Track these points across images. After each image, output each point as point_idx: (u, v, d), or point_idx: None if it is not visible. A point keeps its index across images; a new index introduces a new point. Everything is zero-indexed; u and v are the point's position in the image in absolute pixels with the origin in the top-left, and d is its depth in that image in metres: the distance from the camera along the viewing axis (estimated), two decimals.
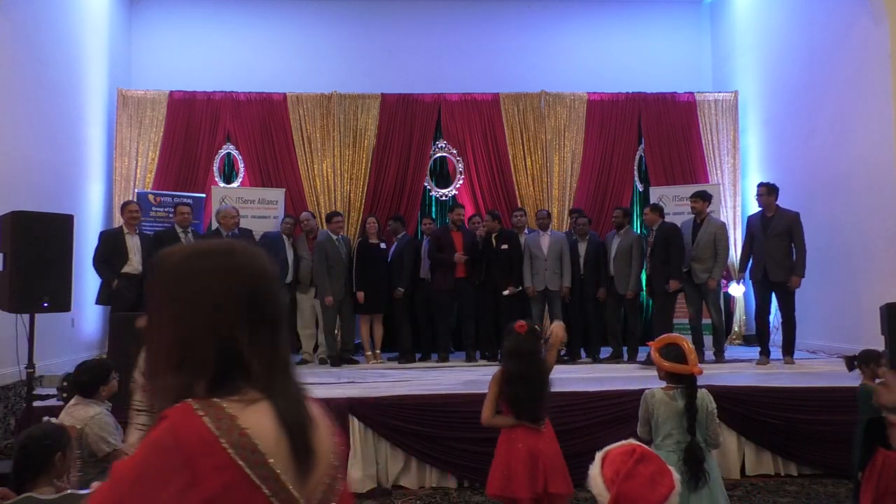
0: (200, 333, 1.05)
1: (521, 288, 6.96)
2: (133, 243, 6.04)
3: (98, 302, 6.15)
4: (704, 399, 3.12)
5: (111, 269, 5.87)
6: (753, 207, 7.31)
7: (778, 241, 6.32)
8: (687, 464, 2.97)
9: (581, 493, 4.52)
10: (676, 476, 1.60)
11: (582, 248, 7.06)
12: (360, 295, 6.87)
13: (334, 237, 7.06)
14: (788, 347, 6.43)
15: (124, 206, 6.20)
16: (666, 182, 8.78)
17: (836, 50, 7.19)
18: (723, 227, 6.70)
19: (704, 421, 3.09)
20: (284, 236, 7.28)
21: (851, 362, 4.18)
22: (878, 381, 3.93)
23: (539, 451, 3.07)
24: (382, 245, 7.18)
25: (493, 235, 7.07)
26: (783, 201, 6.61)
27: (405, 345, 7.13)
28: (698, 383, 3.15)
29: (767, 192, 6.46)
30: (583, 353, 7.19)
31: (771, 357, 6.53)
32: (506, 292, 6.86)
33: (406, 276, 7.08)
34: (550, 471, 3.05)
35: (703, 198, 6.70)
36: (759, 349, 6.65)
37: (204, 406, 1.00)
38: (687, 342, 3.14)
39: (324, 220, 8.27)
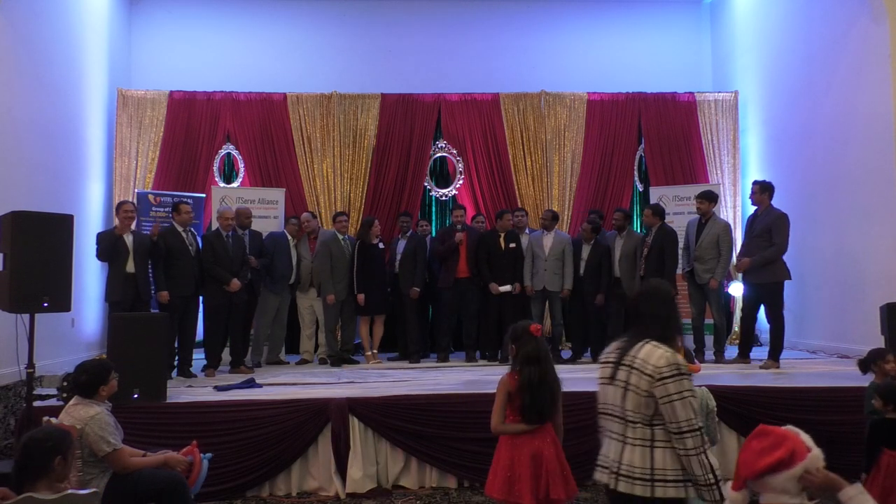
0: None
1: (511, 287, 6.91)
2: (129, 242, 6.04)
3: (108, 300, 6.15)
4: (705, 397, 3.12)
5: (114, 264, 5.96)
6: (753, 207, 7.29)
7: (759, 241, 6.15)
8: None
9: (581, 493, 4.52)
10: (813, 451, 1.97)
11: (585, 250, 7.03)
12: (361, 297, 6.86)
13: (340, 237, 7.06)
14: (772, 352, 6.20)
15: (120, 205, 6.19)
16: (666, 182, 8.78)
17: (836, 50, 7.19)
18: (727, 228, 6.67)
19: (706, 419, 3.10)
20: (289, 237, 7.28)
21: (865, 365, 4.17)
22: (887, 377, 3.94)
23: (542, 456, 3.04)
24: (381, 245, 7.19)
25: (502, 235, 7.06)
26: (783, 201, 6.59)
27: (414, 345, 7.12)
28: (698, 383, 3.16)
29: (760, 189, 6.30)
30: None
31: (753, 360, 6.41)
32: (507, 288, 6.85)
33: (420, 275, 7.08)
34: (552, 476, 3.01)
35: (709, 198, 6.65)
36: (756, 349, 6.65)
37: None
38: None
39: (326, 220, 8.31)
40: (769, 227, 6.14)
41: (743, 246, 6.50)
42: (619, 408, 2.37)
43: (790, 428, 2.02)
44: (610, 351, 2.50)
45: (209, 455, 3.89)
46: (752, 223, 6.38)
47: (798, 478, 1.96)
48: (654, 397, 2.29)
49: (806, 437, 2.01)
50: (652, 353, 2.34)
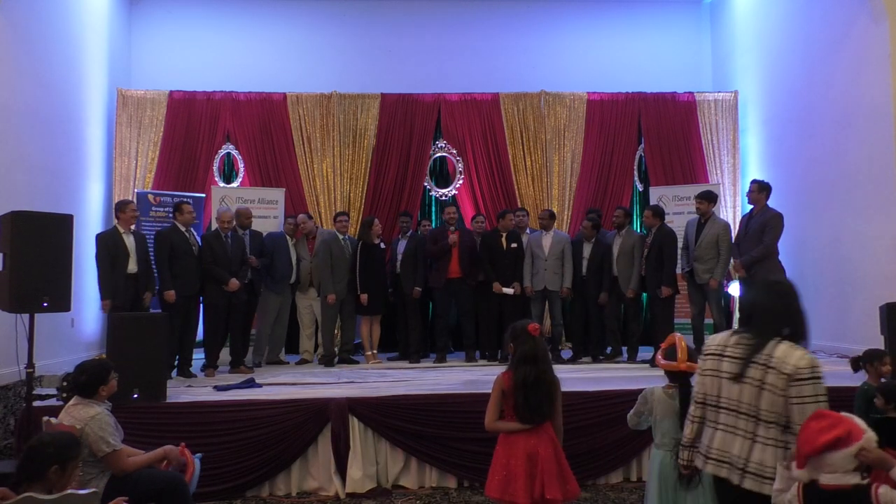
0: None
1: (512, 289, 6.91)
2: (130, 243, 6.03)
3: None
4: None
5: (116, 269, 5.91)
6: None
7: (754, 241, 6.19)
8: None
9: (583, 493, 4.52)
10: (868, 433, 2.19)
11: (587, 249, 7.04)
12: (364, 297, 6.86)
13: (340, 237, 7.06)
14: None
15: (125, 205, 6.15)
16: (666, 182, 8.78)
17: (836, 50, 7.19)
18: (726, 228, 6.67)
19: None
20: (287, 237, 7.29)
21: (857, 363, 4.17)
22: (882, 379, 3.94)
23: (538, 455, 3.02)
24: (382, 245, 7.20)
25: (504, 235, 7.07)
26: (783, 201, 6.59)
27: (416, 345, 7.13)
28: None
29: (758, 189, 6.32)
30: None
31: None
32: (510, 290, 6.86)
33: (421, 275, 7.07)
34: (548, 476, 2.99)
35: (708, 198, 6.67)
36: None
37: None
38: (682, 340, 3.14)
39: (325, 220, 8.32)
40: (764, 227, 6.18)
41: (735, 244, 6.51)
42: (753, 406, 2.37)
43: (844, 413, 2.26)
44: (728, 345, 2.48)
45: (199, 455, 3.90)
46: (747, 222, 6.41)
47: (854, 455, 2.17)
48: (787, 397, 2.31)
49: (860, 421, 2.24)
50: (790, 353, 2.34)
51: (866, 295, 6.54)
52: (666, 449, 3.07)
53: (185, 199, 6.99)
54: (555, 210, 8.39)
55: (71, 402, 3.64)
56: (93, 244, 6.12)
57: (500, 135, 8.80)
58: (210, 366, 6.35)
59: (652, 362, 6.38)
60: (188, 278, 6.21)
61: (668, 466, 3.04)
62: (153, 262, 6.31)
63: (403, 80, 9.07)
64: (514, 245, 7.01)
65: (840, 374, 5.59)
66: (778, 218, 6.19)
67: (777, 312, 2.43)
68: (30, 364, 4.70)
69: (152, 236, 6.60)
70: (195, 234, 6.60)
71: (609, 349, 7.11)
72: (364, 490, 4.75)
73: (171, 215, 7.26)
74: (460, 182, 8.90)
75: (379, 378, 6.02)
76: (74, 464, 2.74)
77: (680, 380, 3.08)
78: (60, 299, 4.79)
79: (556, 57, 9.52)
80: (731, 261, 6.44)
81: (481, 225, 7.48)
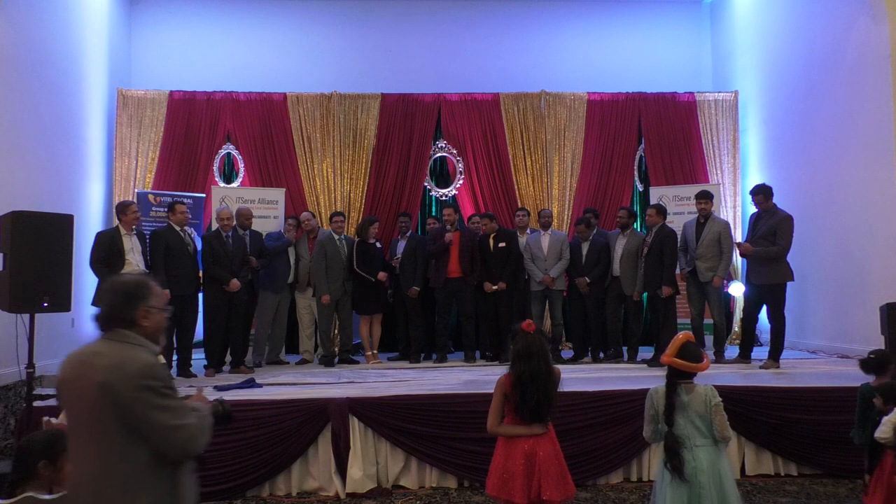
0: None
1: (496, 287, 6.92)
2: (133, 244, 6.02)
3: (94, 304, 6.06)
4: (707, 393, 3.12)
5: (111, 271, 5.84)
6: (753, 207, 7.30)
7: (763, 242, 6.17)
8: (666, 453, 3.04)
9: (581, 493, 4.53)
10: None
11: (585, 248, 7.05)
12: (384, 275, 6.96)
13: (336, 237, 7.06)
14: (773, 352, 6.23)
15: (127, 206, 6.13)
16: (666, 182, 8.78)
17: (836, 50, 7.19)
18: (727, 226, 6.68)
19: (709, 415, 3.09)
20: (286, 237, 7.28)
21: (873, 366, 4.09)
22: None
23: (536, 456, 3.02)
24: (378, 245, 7.21)
25: (492, 235, 7.08)
26: (783, 201, 6.59)
27: (417, 345, 7.13)
28: (702, 382, 3.19)
29: (765, 197, 6.28)
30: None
31: (753, 360, 6.44)
32: (495, 287, 6.89)
33: (420, 275, 7.08)
34: (545, 476, 2.99)
35: (709, 198, 6.68)
36: (756, 349, 6.66)
37: None
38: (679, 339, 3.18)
39: (325, 221, 8.31)
40: (774, 229, 6.16)
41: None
42: None
43: None
44: None
45: None
46: (755, 223, 6.38)
47: None
48: None
49: None
50: None
51: (866, 295, 6.54)
52: None
53: (178, 199, 6.98)
54: (554, 210, 8.42)
55: None
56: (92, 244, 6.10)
57: (501, 135, 8.80)
58: (211, 366, 6.35)
59: (650, 363, 6.39)
60: (183, 278, 6.20)
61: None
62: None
63: (403, 80, 9.07)
64: (501, 245, 7.01)
65: (841, 375, 5.61)
66: (790, 220, 6.18)
67: None
68: (30, 364, 4.71)
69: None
70: (191, 233, 6.59)
71: (611, 349, 7.10)
72: (364, 490, 4.75)
73: (166, 215, 7.22)
74: (460, 182, 8.90)
75: (379, 378, 6.02)
76: (65, 457, 2.58)
77: (667, 373, 3.14)
78: (60, 299, 4.80)
79: (556, 57, 9.52)
80: (735, 258, 6.43)
81: (476, 226, 7.50)
